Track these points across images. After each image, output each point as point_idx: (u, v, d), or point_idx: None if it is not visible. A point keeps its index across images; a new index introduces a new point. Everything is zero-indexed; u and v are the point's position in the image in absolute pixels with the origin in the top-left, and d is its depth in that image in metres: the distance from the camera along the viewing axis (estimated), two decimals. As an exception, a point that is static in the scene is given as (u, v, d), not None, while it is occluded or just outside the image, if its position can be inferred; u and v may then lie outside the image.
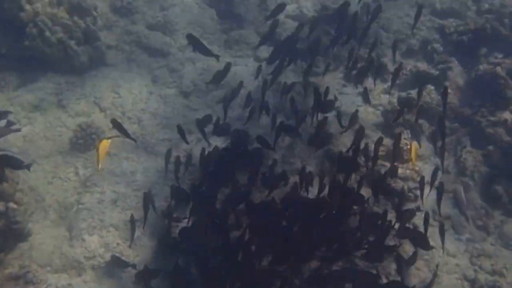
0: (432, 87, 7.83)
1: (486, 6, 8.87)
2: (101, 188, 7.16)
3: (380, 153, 6.19)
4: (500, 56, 7.84)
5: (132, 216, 6.00)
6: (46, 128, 7.87)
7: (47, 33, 8.42)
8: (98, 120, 8.07)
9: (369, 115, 8.04)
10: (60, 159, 7.52)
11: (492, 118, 7.24)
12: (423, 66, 8.21)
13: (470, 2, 9.07)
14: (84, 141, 7.62)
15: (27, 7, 8.50)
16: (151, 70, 9.01)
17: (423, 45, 8.66)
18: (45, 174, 7.26)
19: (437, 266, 6.02)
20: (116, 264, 6.24)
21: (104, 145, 5.96)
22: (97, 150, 5.90)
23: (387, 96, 7.80)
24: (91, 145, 7.63)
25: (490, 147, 7.13)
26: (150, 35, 9.40)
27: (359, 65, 7.23)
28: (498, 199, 6.86)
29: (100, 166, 5.92)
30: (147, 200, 5.95)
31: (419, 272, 5.96)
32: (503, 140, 7.08)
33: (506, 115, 7.19)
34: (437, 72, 8.06)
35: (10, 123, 7.01)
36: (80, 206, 6.91)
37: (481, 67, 7.60)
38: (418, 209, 6.47)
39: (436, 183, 6.19)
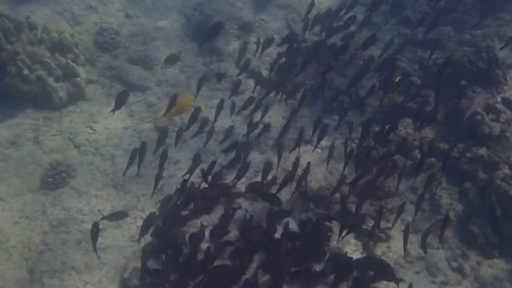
0: (409, 121, 7.52)
1: (468, 36, 8.57)
2: (67, 228, 7.04)
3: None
4: (478, 90, 7.49)
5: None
6: (18, 166, 7.83)
7: (25, 71, 8.48)
8: (71, 157, 8.01)
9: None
10: (29, 198, 7.44)
11: (468, 154, 6.86)
12: (400, 98, 7.89)
13: (452, 33, 8.76)
14: (53, 179, 7.54)
15: (8, 46, 8.61)
16: (129, 104, 8.95)
17: (402, 76, 8.35)
18: (12, 214, 7.17)
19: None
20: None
21: (186, 102, 6.19)
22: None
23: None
24: (60, 183, 7.56)
25: (466, 184, 6.75)
26: (130, 70, 9.38)
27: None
28: (474, 239, 6.45)
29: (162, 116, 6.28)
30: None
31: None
32: (479, 177, 6.69)
33: (483, 151, 6.81)
34: (415, 105, 7.74)
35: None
36: (43, 247, 6.79)
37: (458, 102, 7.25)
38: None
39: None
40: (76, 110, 8.79)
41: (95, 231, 5.55)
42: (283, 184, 5.98)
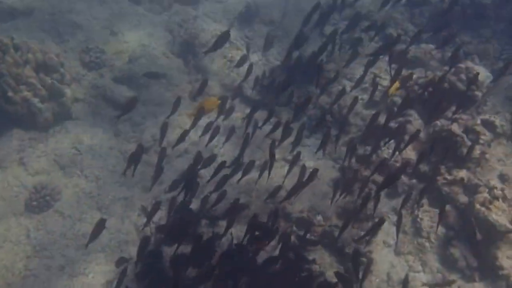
0: (391, 141, 7.55)
1: (449, 54, 8.61)
2: (50, 253, 7.04)
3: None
4: (458, 110, 7.51)
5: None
6: (3, 188, 7.82)
7: (10, 93, 8.46)
8: (56, 179, 8.00)
9: (328, 169, 7.80)
10: (13, 221, 7.44)
11: (449, 177, 6.91)
12: (382, 118, 7.92)
13: (434, 51, 8.80)
14: (38, 203, 7.54)
15: (-8, 68, 8.59)
16: (114, 124, 8.95)
17: (384, 96, 8.41)
18: (-4, 238, 7.18)
19: None
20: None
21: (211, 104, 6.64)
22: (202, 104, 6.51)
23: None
24: (44, 206, 7.56)
25: (447, 207, 6.79)
26: (116, 88, 9.38)
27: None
28: (455, 262, 6.50)
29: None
30: None
31: None
32: (460, 200, 6.74)
33: (463, 173, 6.86)
34: (396, 125, 7.78)
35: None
36: (27, 272, 6.79)
37: (438, 122, 7.29)
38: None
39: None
40: (61, 130, 8.78)
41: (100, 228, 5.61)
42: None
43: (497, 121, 7.32)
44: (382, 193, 7.03)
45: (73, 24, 10.46)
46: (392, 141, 7.49)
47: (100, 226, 5.70)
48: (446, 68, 7.60)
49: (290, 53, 8.73)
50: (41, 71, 8.94)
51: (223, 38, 6.74)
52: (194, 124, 6.68)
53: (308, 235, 6.53)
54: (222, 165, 6.13)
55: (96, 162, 8.28)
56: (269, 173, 6.18)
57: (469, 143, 6.95)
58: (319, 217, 6.95)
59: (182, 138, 6.51)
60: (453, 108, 7.23)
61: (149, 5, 11.30)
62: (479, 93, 7.53)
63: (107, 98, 9.27)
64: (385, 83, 8.52)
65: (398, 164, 7.20)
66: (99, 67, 9.74)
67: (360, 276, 5.50)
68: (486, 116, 7.36)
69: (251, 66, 7.73)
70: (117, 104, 9.18)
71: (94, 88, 9.42)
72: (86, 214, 7.58)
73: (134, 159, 5.92)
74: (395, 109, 7.98)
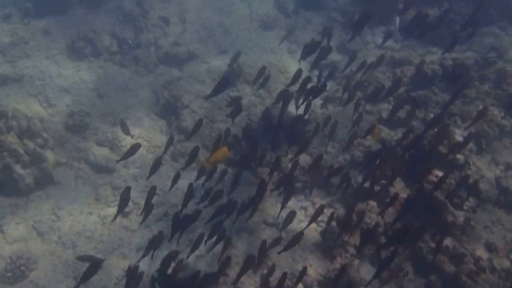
0: (374, 203, 7.50)
1: (431, 115, 8.60)
2: (22, 327, 6.92)
3: None
4: (440, 174, 7.45)
5: None
6: (-21, 258, 7.81)
7: (-8, 160, 8.63)
8: (33, 247, 7.99)
9: (310, 231, 7.73)
10: (-12, 293, 7.38)
11: (433, 245, 6.72)
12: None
13: (417, 111, 8.86)
14: (12, 273, 7.49)
15: (-25, 136, 8.80)
16: (96, 187, 9.01)
17: (367, 157, 8.43)
18: (-32, 312, 7.09)
19: None
20: None
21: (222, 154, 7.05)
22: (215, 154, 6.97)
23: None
24: (19, 277, 7.50)
25: (433, 276, 6.61)
26: (98, 151, 9.52)
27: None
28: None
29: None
30: None
31: None
32: (446, 270, 6.56)
33: (448, 241, 6.71)
34: (379, 187, 7.74)
35: None
36: None
37: (421, 185, 7.23)
38: None
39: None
40: (42, 195, 8.84)
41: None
42: None
43: (481, 186, 7.23)
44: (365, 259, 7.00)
45: (61, 88, 10.78)
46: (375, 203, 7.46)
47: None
48: (429, 129, 7.67)
49: (267, 110, 8.96)
50: (25, 136, 9.14)
51: (222, 84, 7.21)
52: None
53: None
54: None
55: (74, 228, 8.28)
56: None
57: (452, 209, 6.87)
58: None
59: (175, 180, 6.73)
60: (436, 173, 7.23)
61: (135, 67, 11.65)
62: (461, 157, 7.47)
63: (90, 162, 9.39)
64: (367, 143, 8.57)
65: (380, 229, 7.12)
66: (83, 130, 9.94)
67: None
68: (470, 181, 7.23)
69: (228, 129, 7.87)
70: (99, 167, 9.29)
71: (77, 152, 9.57)
72: (62, 283, 7.50)
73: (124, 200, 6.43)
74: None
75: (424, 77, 8.92)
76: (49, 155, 9.26)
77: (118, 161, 7.66)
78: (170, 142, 7.23)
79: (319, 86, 7.48)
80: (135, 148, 7.13)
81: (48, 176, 9.06)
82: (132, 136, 9.62)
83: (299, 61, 8.25)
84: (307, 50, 7.91)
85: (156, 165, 7.01)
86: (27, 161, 8.91)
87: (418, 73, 9.04)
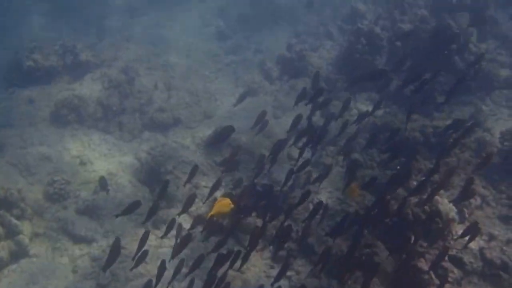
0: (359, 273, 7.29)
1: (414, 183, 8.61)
2: None
3: None
4: (424, 244, 7.33)
5: None
6: None
7: (-35, 237, 8.36)
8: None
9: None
10: None
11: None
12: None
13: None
14: None
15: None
16: (74, 259, 8.70)
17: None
18: None
19: None
20: None
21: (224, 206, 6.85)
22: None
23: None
24: None
25: None
26: (78, 221, 9.30)
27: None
28: None
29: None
30: None
31: None
32: None
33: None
34: (363, 257, 7.58)
35: None
36: None
37: (404, 256, 7.09)
38: None
39: None
40: (17, 269, 8.49)
41: None
42: None
43: (466, 258, 7.12)
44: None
45: (42, 156, 10.74)
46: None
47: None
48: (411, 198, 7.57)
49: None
50: (1, 207, 8.93)
51: (227, 131, 7.42)
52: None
53: None
54: None
55: (48, 305, 7.89)
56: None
57: (437, 281, 6.70)
58: None
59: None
60: (420, 242, 7.12)
61: (119, 134, 11.73)
62: (443, 226, 7.39)
63: (69, 232, 9.14)
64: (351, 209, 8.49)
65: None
66: (63, 199, 9.77)
67: None
68: (453, 252, 7.11)
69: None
70: (77, 238, 9.03)
71: (56, 221, 9.34)
72: None
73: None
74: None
75: (406, 144, 9.09)
76: (26, 226, 9.02)
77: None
78: (153, 210, 7.01)
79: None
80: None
81: (24, 248, 8.75)
82: (107, 191, 9.53)
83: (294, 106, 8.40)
84: (301, 96, 8.14)
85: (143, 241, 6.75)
86: (2, 234, 8.65)
87: (400, 139, 9.23)
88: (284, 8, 18.14)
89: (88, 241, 9.02)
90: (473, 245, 7.16)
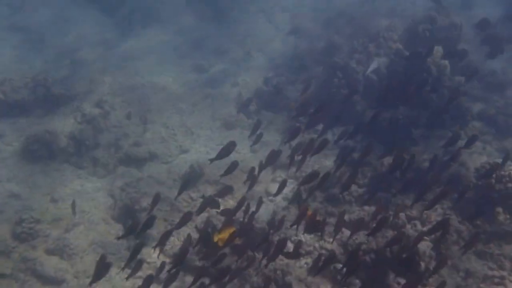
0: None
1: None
2: None
3: None
4: (403, 281, 7.36)
5: None
6: None
7: None
8: None
9: None
10: None
11: None
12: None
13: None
14: None
15: None
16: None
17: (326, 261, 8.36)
18: None
19: None
20: None
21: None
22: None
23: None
24: None
25: None
26: (47, 261, 9.06)
27: None
28: None
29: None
30: None
31: None
32: None
33: None
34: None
35: None
36: None
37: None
38: None
39: None
40: (-20, 315, 8.17)
41: None
42: None
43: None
44: None
45: (11, 194, 10.51)
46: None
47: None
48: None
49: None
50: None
51: (230, 147, 7.99)
52: None
53: None
54: None
55: None
56: None
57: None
58: None
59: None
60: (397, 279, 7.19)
61: (93, 169, 11.62)
62: (422, 263, 7.51)
63: (38, 273, 8.88)
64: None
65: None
66: (32, 238, 9.52)
67: None
68: None
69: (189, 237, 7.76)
70: (47, 279, 8.78)
71: (24, 262, 9.06)
72: None
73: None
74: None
75: (381, 181, 9.27)
76: (-10, 268, 8.74)
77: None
78: (135, 253, 6.87)
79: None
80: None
81: (-12, 292, 8.45)
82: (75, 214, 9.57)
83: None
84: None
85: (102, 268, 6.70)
86: (-35, 276, 8.35)
87: (376, 174, 9.42)
88: (262, 39, 18.61)
89: (58, 282, 8.77)
90: (450, 281, 7.28)
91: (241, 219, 8.24)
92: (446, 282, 6.63)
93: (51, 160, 11.63)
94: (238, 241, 8.01)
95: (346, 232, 8.05)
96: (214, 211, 8.97)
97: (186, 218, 7.50)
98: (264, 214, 9.40)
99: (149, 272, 8.12)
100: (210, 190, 10.96)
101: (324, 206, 9.40)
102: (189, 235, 8.43)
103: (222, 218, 8.79)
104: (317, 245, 8.38)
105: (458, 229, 8.31)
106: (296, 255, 7.98)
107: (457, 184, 9.06)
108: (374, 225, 7.09)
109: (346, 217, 8.29)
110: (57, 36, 19.24)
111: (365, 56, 12.40)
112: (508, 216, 8.44)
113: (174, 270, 6.84)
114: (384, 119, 9.52)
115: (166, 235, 7.20)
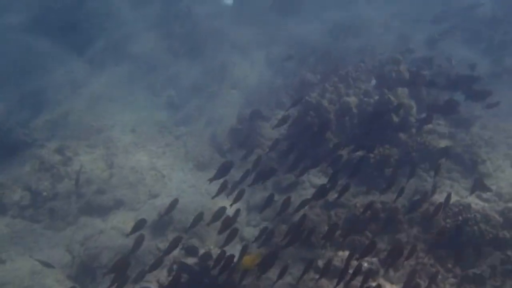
0: None
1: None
2: None
3: None
4: None
5: None
6: None
7: None
8: None
9: None
10: None
11: None
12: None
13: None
14: None
15: None
16: None
17: None
18: None
19: None
20: None
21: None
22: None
23: None
24: None
25: None
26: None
27: None
28: None
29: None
30: None
31: None
32: None
33: None
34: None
35: None
36: None
37: None
38: None
39: None
40: None
41: None
42: None
43: None
44: None
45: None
46: None
47: None
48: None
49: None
50: None
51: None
52: None
53: None
54: None
55: None
56: None
57: None
58: None
59: None
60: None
61: (50, 222, 10.85)
62: None
63: None
64: None
65: None
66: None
67: None
68: None
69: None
70: None
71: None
72: None
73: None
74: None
75: (355, 220, 8.87)
76: None
77: None
78: None
79: None
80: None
81: None
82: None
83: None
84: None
85: None
86: None
87: (351, 216, 9.01)
88: (237, 75, 18.28)
89: None
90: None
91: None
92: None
93: (2, 215, 10.82)
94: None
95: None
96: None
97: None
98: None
99: None
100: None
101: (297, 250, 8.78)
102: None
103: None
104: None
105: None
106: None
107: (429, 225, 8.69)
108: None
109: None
110: (22, 75, 18.66)
111: (336, 96, 12.37)
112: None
113: None
114: (356, 158, 9.44)
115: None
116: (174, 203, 8.56)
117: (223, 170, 8.83)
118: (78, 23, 21.14)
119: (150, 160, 13.37)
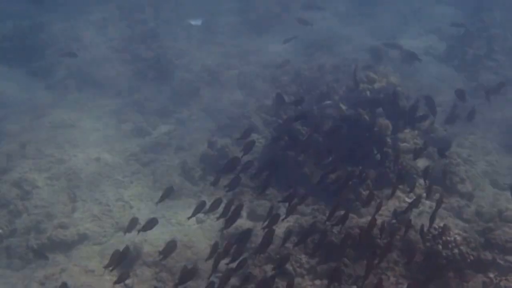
0: None
1: None
2: None
3: None
4: None
5: None
6: None
7: None
8: None
9: None
10: None
11: None
12: None
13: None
14: None
15: None
16: None
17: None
18: None
19: None
20: None
21: None
22: None
23: None
24: None
25: None
26: None
27: None
28: None
29: None
30: None
31: None
32: None
33: None
34: None
35: None
36: None
37: None
38: None
39: None
40: None
41: None
42: None
43: None
44: None
45: None
46: None
47: None
48: None
49: None
50: None
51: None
52: None
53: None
54: None
55: None
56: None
57: None
58: None
59: None
60: None
61: (6, 262, 10.50)
62: None
63: None
64: None
65: None
66: None
67: None
68: None
69: None
70: None
71: None
72: None
73: None
74: None
75: (331, 245, 8.93)
76: None
77: None
78: None
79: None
80: None
81: None
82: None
83: None
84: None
85: None
86: None
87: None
88: (208, 99, 18.33)
89: None
90: None
91: None
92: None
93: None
94: None
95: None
96: None
97: None
98: None
99: None
100: (149, 274, 10.09)
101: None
102: None
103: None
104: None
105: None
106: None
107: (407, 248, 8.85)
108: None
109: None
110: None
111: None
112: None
113: None
114: (332, 180, 9.91)
115: None
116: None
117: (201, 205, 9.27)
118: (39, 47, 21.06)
119: (116, 191, 13.16)
